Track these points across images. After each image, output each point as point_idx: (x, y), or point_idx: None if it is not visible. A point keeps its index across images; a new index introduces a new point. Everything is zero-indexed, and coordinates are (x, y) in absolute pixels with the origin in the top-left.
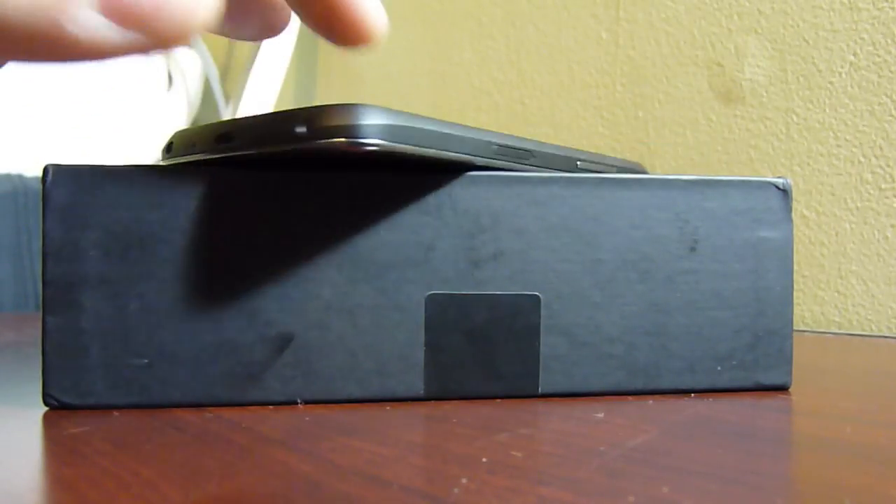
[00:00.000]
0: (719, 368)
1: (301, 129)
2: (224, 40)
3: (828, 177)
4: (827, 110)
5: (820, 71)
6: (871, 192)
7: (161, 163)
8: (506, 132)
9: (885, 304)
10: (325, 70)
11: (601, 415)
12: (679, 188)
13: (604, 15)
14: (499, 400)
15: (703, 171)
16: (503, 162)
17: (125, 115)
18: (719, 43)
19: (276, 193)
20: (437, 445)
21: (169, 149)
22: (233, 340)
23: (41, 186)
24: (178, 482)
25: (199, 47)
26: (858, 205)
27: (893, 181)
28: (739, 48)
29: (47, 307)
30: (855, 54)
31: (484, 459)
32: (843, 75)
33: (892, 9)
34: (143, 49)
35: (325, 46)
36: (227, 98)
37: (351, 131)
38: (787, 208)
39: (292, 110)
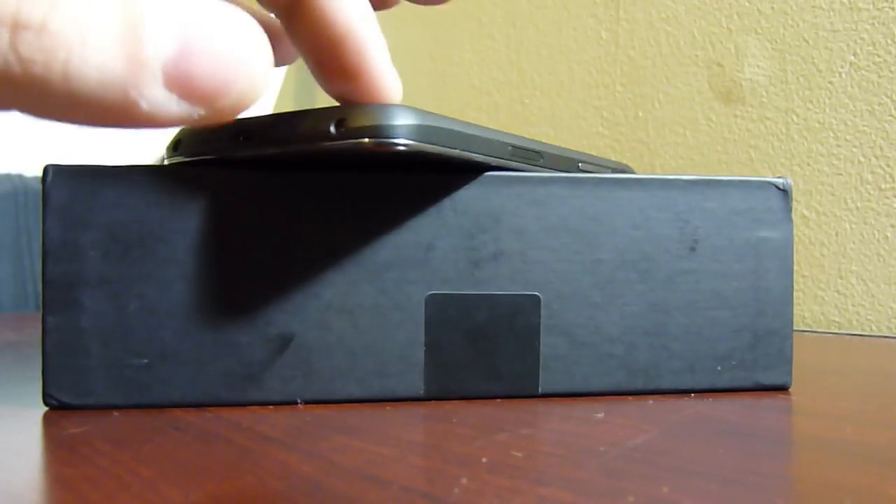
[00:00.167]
0: (719, 368)
1: (329, 129)
2: None
3: (828, 177)
4: (827, 110)
5: (820, 71)
6: (871, 192)
7: (167, 161)
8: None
9: (885, 304)
10: None
11: (601, 415)
12: (679, 188)
13: (604, 15)
14: (499, 400)
15: (703, 171)
16: (516, 163)
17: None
18: (719, 43)
19: (277, 193)
20: (437, 445)
21: (176, 147)
22: (233, 340)
23: (41, 186)
24: (178, 482)
25: None
26: (858, 205)
27: (893, 181)
28: (739, 48)
29: (47, 307)
30: (855, 54)
31: (484, 459)
32: (843, 75)
33: (892, 9)
34: (203, 121)
35: None
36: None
37: (380, 131)
38: (787, 208)
39: (319, 109)
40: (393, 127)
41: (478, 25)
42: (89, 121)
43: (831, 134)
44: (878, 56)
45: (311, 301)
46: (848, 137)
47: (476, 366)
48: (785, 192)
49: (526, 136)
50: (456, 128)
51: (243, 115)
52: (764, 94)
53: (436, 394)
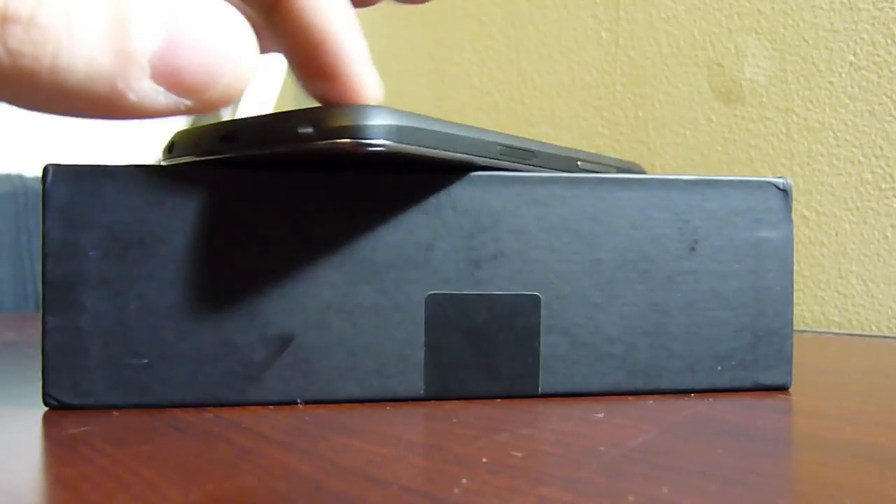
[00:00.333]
0: (719, 368)
1: (307, 130)
2: None
3: (828, 177)
4: (827, 110)
5: (820, 71)
6: (871, 192)
7: (162, 163)
8: (506, 132)
9: (885, 304)
10: None
11: (601, 415)
12: (679, 188)
13: (604, 15)
14: (499, 400)
15: (703, 171)
16: (506, 162)
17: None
18: (719, 43)
19: (276, 193)
20: (437, 445)
21: (171, 149)
22: (233, 340)
23: (41, 186)
24: (178, 482)
25: None
26: (858, 205)
27: (893, 181)
28: (739, 48)
29: (47, 307)
30: (855, 54)
31: (484, 459)
32: (843, 75)
33: (892, 9)
34: (190, 112)
35: None
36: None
37: (356, 132)
38: (787, 208)
39: (297, 110)
40: (369, 127)
41: (478, 25)
42: (78, 112)
43: (831, 134)
44: (878, 56)
45: (310, 301)
46: (848, 137)
47: (476, 366)
48: (785, 192)
49: (526, 135)
50: (435, 127)
51: (231, 117)
52: (764, 94)
53: (436, 394)
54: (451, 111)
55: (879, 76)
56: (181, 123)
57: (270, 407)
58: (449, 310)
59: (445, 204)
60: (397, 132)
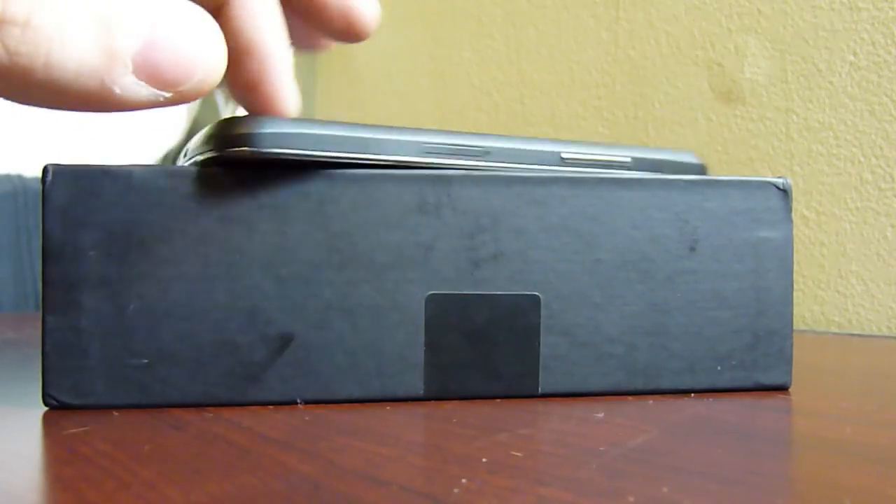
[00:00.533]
0: (719, 368)
1: (217, 138)
2: None
3: (828, 177)
4: (827, 110)
5: (820, 71)
6: (871, 192)
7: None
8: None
9: (885, 304)
10: (324, 70)
11: (601, 415)
12: (679, 188)
13: (604, 15)
14: (499, 400)
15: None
16: (445, 160)
17: (125, 114)
18: (719, 43)
19: (276, 193)
20: (437, 445)
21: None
22: (233, 340)
23: (41, 186)
24: (178, 482)
25: None
26: (858, 205)
27: (893, 181)
28: (739, 48)
29: (47, 307)
30: (855, 54)
31: (484, 459)
32: (843, 75)
33: (892, 9)
34: (169, 104)
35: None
36: (227, 98)
37: (252, 140)
38: (787, 208)
39: (222, 120)
40: (262, 136)
41: (478, 25)
42: (69, 106)
43: (831, 134)
44: (878, 56)
45: (310, 301)
46: (848, 137)
47: (476, 366)
48: (785, 192)
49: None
50: (339, 132)
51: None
52: (764, 93)
53: (436, 394)
54: (451, 111)
55: (879, 76)
56: (181, 124)
57: (270, 407)
58: (449, 310)
59: (445, 204)
60: (289, 139)
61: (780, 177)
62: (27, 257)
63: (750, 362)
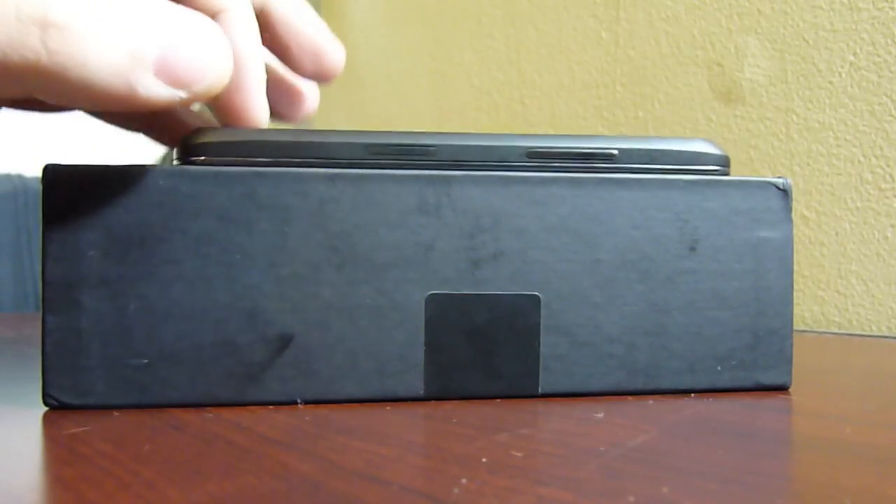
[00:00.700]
0: (719, 368)
1: (182, 147)
2: None
3: (828, 177)
4: (827, 110)
5: (820, 71)
6: (871, 192)
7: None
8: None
9: (885, 304)
10: None
11: (601, 415)
12: (679, 188)
13: (604, 15)
14: (499, 400)
15: None
16: (393, 160)
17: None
18: (719, 43)
19: (276, 193)
20: (437, 445)
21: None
22: (233, 340)
23: (41, 186)
24: (178, 482)
25: None
26: (858, 205)
27: (893, 181)
28: (739, 48)
29: (47, 307)
30: (855, 54)
31: (484, 459)
32: (843, 75)
33: (892, 9)
34: (185, 102)
35: None
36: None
37: (205, 150)
38: (787, 208)
39: (186, 133)
40: (215, 145)
41: (478, 25)
42: (96, 103)
43: (831, 134)
44: (878, 56)
45: (310, 301)
46: (848, 137)
47: (476, 366)
48: (785, 192)
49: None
50: (286, 138)
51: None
52: (764, 94)
53: (436, 394)
54: (451, 111)
55: (879, 76)
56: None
57: (270, 407)
58: (449, 310)
59: (445, 204)
60: (232, 148)
61: (780, 177)
62: (27, 257)
63: (750, 362)
